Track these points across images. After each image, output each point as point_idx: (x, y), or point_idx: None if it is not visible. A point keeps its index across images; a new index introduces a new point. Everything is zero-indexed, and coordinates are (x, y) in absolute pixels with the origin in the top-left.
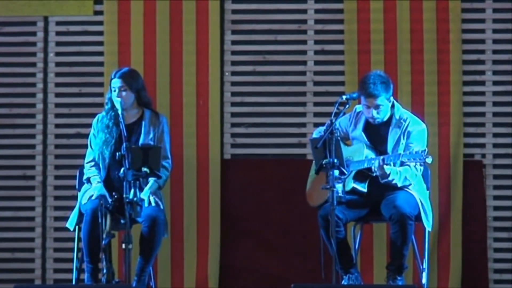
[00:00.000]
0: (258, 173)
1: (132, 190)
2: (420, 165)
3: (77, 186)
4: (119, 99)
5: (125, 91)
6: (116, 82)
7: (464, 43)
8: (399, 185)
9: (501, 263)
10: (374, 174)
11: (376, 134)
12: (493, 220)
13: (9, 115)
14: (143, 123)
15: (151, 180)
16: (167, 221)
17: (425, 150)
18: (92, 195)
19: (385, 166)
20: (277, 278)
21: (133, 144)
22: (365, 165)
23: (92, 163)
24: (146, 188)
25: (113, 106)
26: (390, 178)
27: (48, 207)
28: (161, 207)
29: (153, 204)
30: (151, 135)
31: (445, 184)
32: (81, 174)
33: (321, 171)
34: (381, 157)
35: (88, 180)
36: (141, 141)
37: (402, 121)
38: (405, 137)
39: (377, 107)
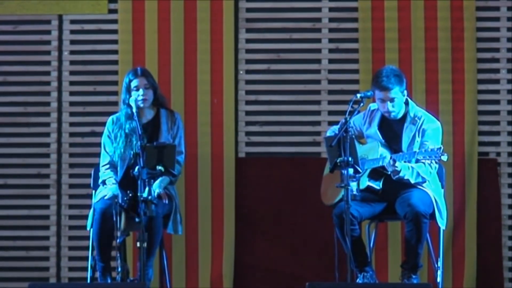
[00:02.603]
0: (273, 171)
1: (147, 189)
2: (436, 162)
3: (91, 185)
4: (142, 97)
5: (148, 89)
6: (142, 80)
7: (479, 42)
8: (412, 181)
9: None
10: (389, 172)
11: (391, 132)
12: (507, 218)
13: (24, 113)
14: (162, 121)
15: None
16: (180, 217)
17: (440, 147)
18: (106, 195)
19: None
20: (291, 276)
21: (153, 142)
22: (380, 163)
23: (108, 166)
24: (157, 182)
25: (129, 106)
26: (401, 174)
27: (63, 206)
28: (165, 201)
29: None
30: (170, 132)
31: (460, 182)
32: (96, 173)
33: (335, 169)
34: (393, 155)
35: (104, 182)
36: (162, 139)
37: (416, 118)
38: (420, 135)
39: (391, 100)
